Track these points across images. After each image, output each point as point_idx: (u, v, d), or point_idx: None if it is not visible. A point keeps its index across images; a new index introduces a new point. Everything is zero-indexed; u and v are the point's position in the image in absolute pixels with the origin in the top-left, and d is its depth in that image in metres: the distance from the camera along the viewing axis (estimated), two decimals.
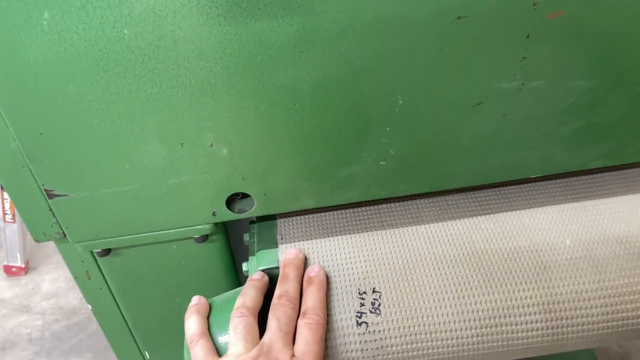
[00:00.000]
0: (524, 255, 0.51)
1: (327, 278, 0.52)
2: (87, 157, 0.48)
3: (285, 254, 0.53)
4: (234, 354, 0.45)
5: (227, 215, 0.53)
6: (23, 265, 1.93)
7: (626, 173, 0.59)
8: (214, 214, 0.53)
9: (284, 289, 0.49)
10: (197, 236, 0.55)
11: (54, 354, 1.67)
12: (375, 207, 0.59)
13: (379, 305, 0.50)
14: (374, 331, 0.49)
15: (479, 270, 0.51)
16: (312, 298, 0.49)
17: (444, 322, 0.49)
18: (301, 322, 0.47)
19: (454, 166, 0.52)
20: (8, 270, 1.92)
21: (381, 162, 0.51)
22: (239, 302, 0.48)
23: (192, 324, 0.49)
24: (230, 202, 0.53)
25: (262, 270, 0.55)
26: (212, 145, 0.48)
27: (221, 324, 0.51)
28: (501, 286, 0.50)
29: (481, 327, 0.49)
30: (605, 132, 0.51)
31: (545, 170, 0.53)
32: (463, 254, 0.52)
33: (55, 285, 1.91)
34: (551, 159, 0.52)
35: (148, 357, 0.68)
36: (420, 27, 0.43)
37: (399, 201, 0.59)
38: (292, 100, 0.46)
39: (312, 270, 0.51)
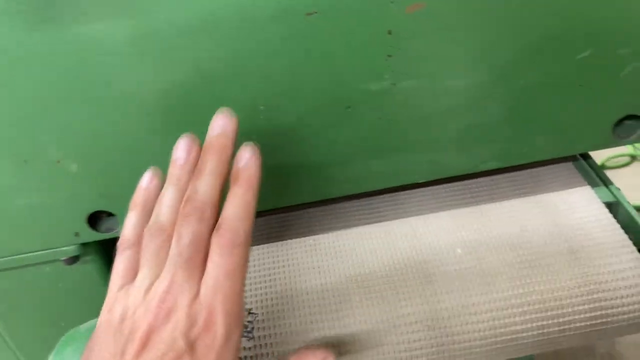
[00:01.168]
0: (410, 267, 0.48)
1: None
2: None
3: (211, 124, 0.38)
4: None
5: (93, 235, 0.49)
6: None
7: (526, 173, 0.55)
8: (76, 234, 0.49)
9: (194, 189, 0.36)
10: (64, 258, 0.51)
11: None
12: (263, 218, 0.55)
13: (252, 328, 0.46)
14: (246, 357, 0.45)
15: (361, 284, 0.47)
16: (232, 203, 0.35)
17: (320, 341, 0.45)
18: (213, 240, 0.35)
19: (334, 174, 0.48)
20: None
21: None
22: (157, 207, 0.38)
23: (130, 223, 0.39)
24: (97, 219, 0.49)
25: None
26: (58, 162, 0.44)
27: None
28: (382, 302, 0.46)
29: (361, 349, 0.45)
30: (492, 132, 0.47)
31: (434, 174, 0.50)
32: (346, 267, 0.49)
33: None
34: (438, 163, 0.49)
35: None
36: (269, 26, 0.39)
37: (286, 211, 0.55)
38: (141, 111, 0.42)
39: (242, 158, 0.37)
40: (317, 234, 0.53)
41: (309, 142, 0.46)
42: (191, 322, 0.33)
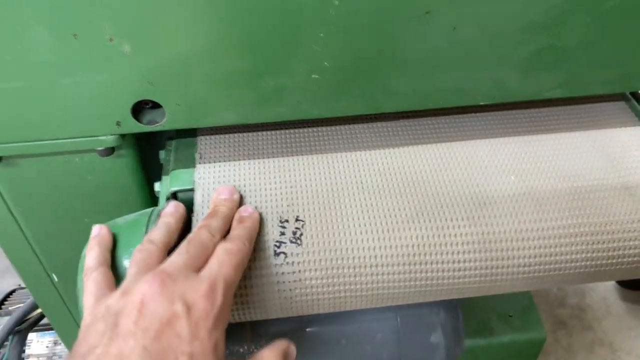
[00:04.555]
0: (461, 190, 0.47)
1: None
2: None
3: (217, 192, 0.46)
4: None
5: (134, 127, 0.46)
6: None
7: (581, 109, 0.54)
8: (118, 123, 0.46)
9: (207, 222, 0.43)
10: (100, 148, 0.48)
11: None
12: (306, 129, 0.53)
13: (301, 235, 0.45)
14: (293, 262, 0.44)
15: (410, 203, 0.46)
16: (240, 229, 0.43)
17: (369, 257, 0.44)
18: (220, 246, 0.40)
19: (396, 85, 0.46)
20: None
21: (313, 75, 0.45)
22: (145, 237, 0.42)
23: (91, 255, 0.42)
24: (139, 111, 0.46)
25: (175, 193, 0.50)
26: (111, 40, 0.40)
27: (126, 246, 0.45)
28: (433, 221, 0.45)
29: (408, 264, 0.44)
30: (564, 58, 0.46)
31: (496, 97, 0.48)
32: (395, 185, 0.47)
33: None
34: (503, 85, 0.47)
35: (56, 279, 0.63)
36: None
37: (331, 125, 0.53)
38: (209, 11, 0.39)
39: (246, 210, 0.45)
40: (361, 150, 0.51)
41: (378, 46, 0.43)
42: (190, 289, 0.36)
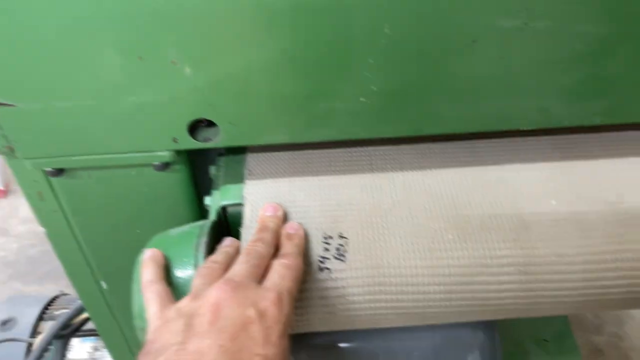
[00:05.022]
0: (505, 212, 0.48)
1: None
2: (36, 62, 0.43)
3: (263, 209, 0.48)
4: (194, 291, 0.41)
5: (190, 143, 0.49)
6: (3, 188, 1.90)
7: (625, 135, 0.54)
8: (175, 140, 0.48)
9: (261, 236, 0.45)
10: (156, 163, 0.51)
11: (29, 279, 1.66)
12: (353, 149, 0.55)
13: (345, 251, 0.46)
14: (336, 278, 0.45)
15: (455, 224, 0.47)
16: (291, 246, 0.45)
17: (412, 276, 0.45)
18: (277, 261, 0.43)
19: (442, 109, 0.47)
20: None
21: (362, 99, 0.46)
22: (207, 259, 0.45)
23: (148, 271, 0.45)
24: (195, 129, 0.49)
25: (225, 207, 0.52)
26: (174, 62, 0.43)
27: (178, 256, 0.47)
28: (477, 242, 0.46)
29: (451, 284, 0.45)
30: (609, 86, 0.46)
31: (540, 122, 0.49)
32: (440, 206, 0.49)
33: None
34: (548, 111, 0.48)
35: (105, 287, 0.65)
36: None
37: (379, 145, 0.55)
38: (268, 19, 0.41)
39: (292, 227, 0.47)
40: (407, 170, 0.52)
41: (425, 72, 0.45)
42: (260, 297, 0.39)
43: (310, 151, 0.55)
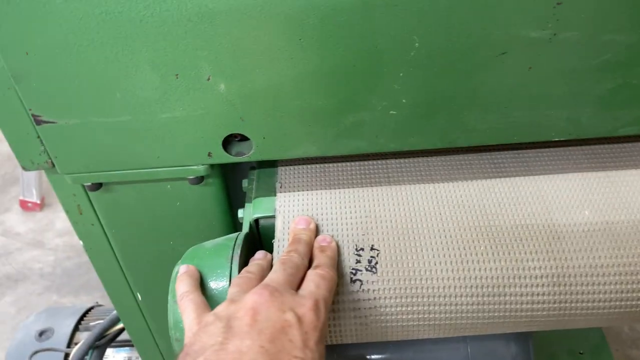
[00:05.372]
0: (537, 224, 0.48)
1: None
2: (76, 81, 0.45)
3: (295, 222, 0.49)
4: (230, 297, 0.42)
5: (224, 157, 0.50)
6: (39, 201, 1.95)
7: None
8: (209, 154, 0.50)
9: (294, 247, 0.46)
10: (191, 177, 0.52)
11: (64, 290, 1.70)
12: (383, 161, 0.55)
13: (376, 263, 0.47)
14: (369, 290, 0.46)
15: (487, 235, 0.47)
16: (325, 258, 0.46)
17: (444, 287, 0.45)
18: (312, 272, 0.44)
19: (471, 121, 0.48)
20: (24, 205, 1.94)
21: (391, 112, 0.47)
22: (242, 271, 0.46)
23: (183, 284, 0.46)
24: (228, 143, 0.50)
25: (258, 219, 0.53)
26: (208, 79, 0.45)
27: (213, 268, 0.48)
28: (509, 254, 0.46)
29: (483, 295, 0.45)
30: None
31: (571, 133, 0.49)
32: (471, 217, 0.49)
33: (69, 223, 1.93)
34: (578, 121, 0.48)
35: (140, 298, 0.67)
36: None
37: (408, 157, 0.55)
38: (298, 34, 0.42)
39: (325, 240, 0.48)
40: (437, 182, 0.53)
41: (454, 85, 0.45)
42: (297, 303, 0.39)
43: (340, 164, 0.55)
